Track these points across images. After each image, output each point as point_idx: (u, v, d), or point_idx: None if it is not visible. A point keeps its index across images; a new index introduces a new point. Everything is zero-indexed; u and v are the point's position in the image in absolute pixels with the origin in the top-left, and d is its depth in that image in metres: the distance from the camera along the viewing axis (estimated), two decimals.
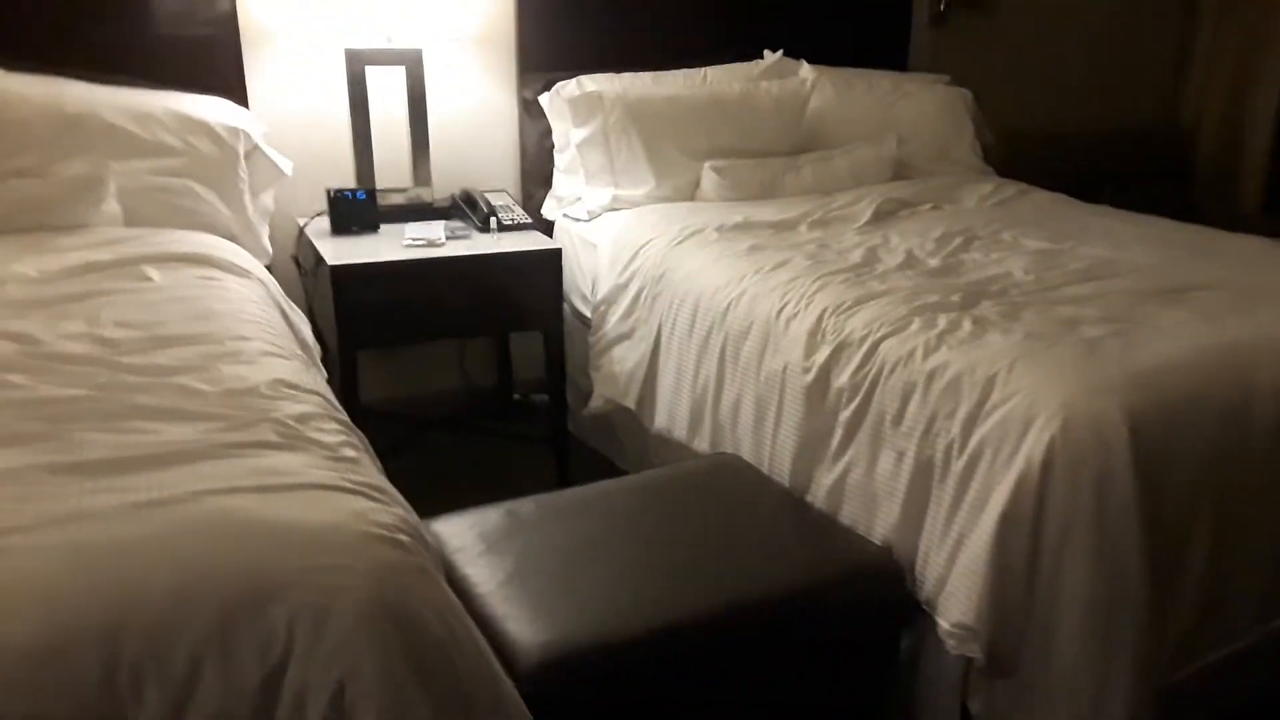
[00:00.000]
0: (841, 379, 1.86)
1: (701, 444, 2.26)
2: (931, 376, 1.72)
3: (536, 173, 2.96)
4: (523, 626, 1.44)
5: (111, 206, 2.10)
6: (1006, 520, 1.54)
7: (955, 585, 1.61)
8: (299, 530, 1.15)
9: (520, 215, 2.67)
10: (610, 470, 2.53)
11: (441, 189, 2.73)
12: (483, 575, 1.56)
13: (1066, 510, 1.52)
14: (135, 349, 1.57)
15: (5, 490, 1.18)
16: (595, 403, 2.62)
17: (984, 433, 1.61)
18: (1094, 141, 3.74)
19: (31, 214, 2.05)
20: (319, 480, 1.27)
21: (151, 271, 1.89)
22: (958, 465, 1.64)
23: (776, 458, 2.01)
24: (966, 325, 1.82)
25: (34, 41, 2.27)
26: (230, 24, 2.47)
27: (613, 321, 2.56)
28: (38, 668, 1.00)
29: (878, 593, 1.68)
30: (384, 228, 2.54)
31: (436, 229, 2.51)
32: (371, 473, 1.39)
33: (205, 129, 2.26)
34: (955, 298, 1.96)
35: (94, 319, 1.67)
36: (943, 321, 1.83)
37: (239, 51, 2.50)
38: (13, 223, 2.03)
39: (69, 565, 1.07)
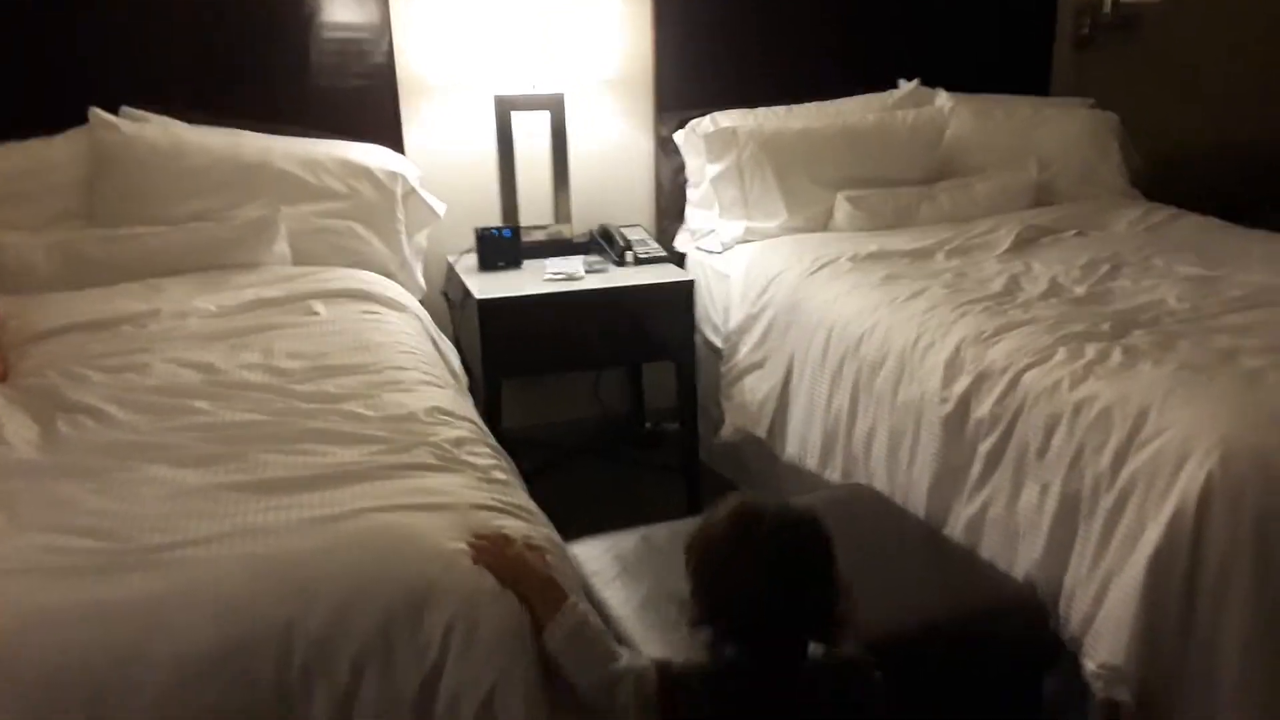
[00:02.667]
0: (982, 410, 1.83)
1: (833, 474, 2.25)
2: (1079, 408, 1.67)
3: (671, 207, 3.02)
4: (659, 651, 1.47)
5: (282, 247, 2.28)
6: (1160, 559, 1.49)
7: (1103, 625, 1.56)
8: (454, 545, 1.23)
9: (655, 248, 2.73)
10: None
11: (580, 225, 2.83)
12: (619, 598, 1.60)
13: (1225, 549, 1.45)
14: (305, 378, 1.71)
15: (193, 506, 1.31)
16: (726, 431, 2.64)
17: (1136, 467, 1.56)
18: (1249, 162, 3.54)
19: (211, 254, 2.24)
20: (473, 500, 1.35)
21: (318, 306, 2.04)
22: (1107, 500, 1.59)
23: (912, 489, 1.98)
24: (1116, 355, 1.76)
25: (212, 95, 2.48)
26: (388, 76, 2.65)
27: (745, 351, 2.58)
28: (217, 668, 1.11)
29: (1021, 630, 1.63)
30: (527, 263, 2.65)
31: (575, 263, 2.60)
32: (520, 495, 1.47)
33: (367, 174, 2.43)
34: (1104, 327, 1.90)
35: (268, 350, 1.82)
36: (1091, 351, 1.78)
37: (396, 101, 2.67)
38: (194, 261, 2.23)
39: (246, 575, 1.18)
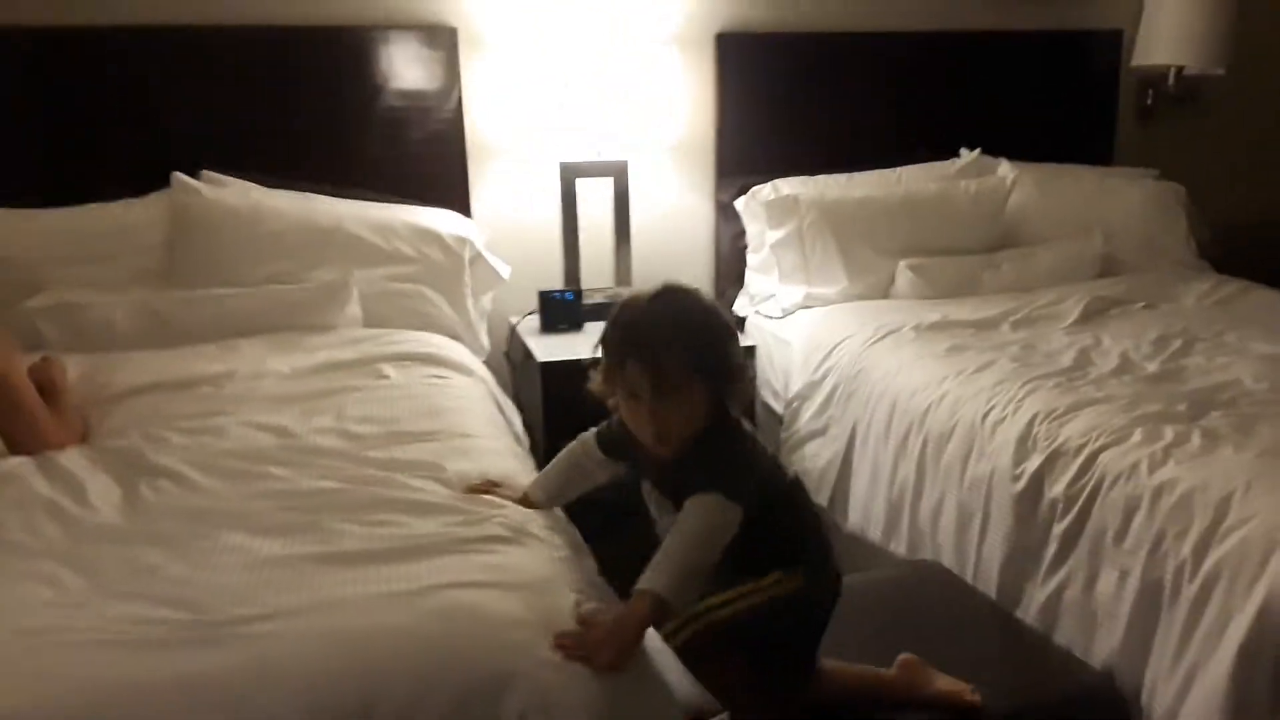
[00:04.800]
0: (1056, 489, 1.80)
1: (898, 547, 2.21)
2: (1159, 492, 1.63)
3: (730, 271, 3.04)
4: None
5: (354, 309, 2.32)
6: (1247, 652, 1.44)
7: (1188, 719, 1.50)
8: (527, 625, 1.22)
9: None
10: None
11: (642, 288, 2.85)
12: (688, 678, 1.57)
13: None
14: (377, 444, 1.72)
15: (273, 577, 1.32)
16: None
17: (1220, 556, 1.51)
18: None
19: (285, 315, 2.29)
20: (543, 576, 1.35)
21: (388, 369, 2.06)
22: (1190, 590, 1.54)
23: (982, 568, 1.95)
24: (1195, 438, 1.72)
25: (286, 159, 2.55)
26: (458, 143, 2.71)
27: (806, 418, 2.57)
28: None
29: None
30: (588, 325, 2.68)
31: None
32: (588, 568, 1.47)
33: (436, 239, 2.48)
34: (1181, 407, 1.86)
35: (340, 414, 1.85)
36: (1169, 433, 1.75)
37: (465, 167, 2.73)
38: (268, 323, 2.27)
39: (326, 652, 1.18)
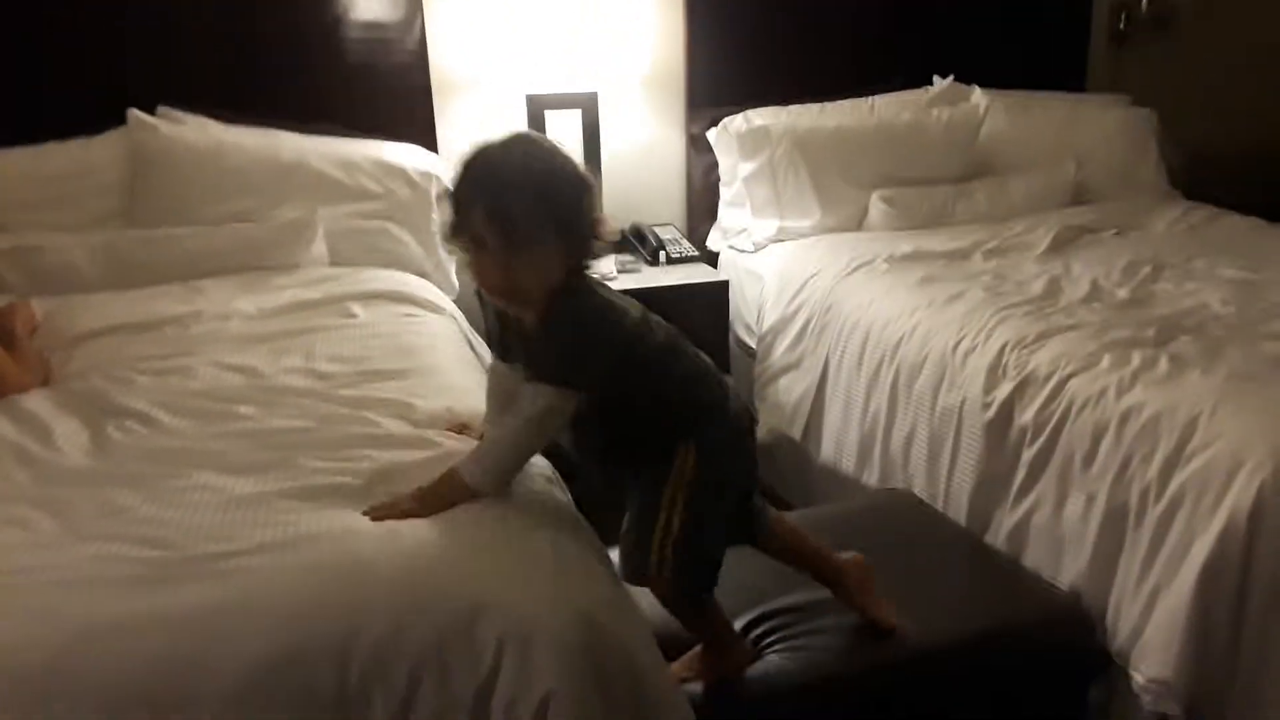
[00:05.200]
0: (1025, 416, 1.82)
1: (870, 477, 2.24)
2: (1126, 417, 1.66)
3: (702, 206, 3.01)
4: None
5: (320, 248, 2.28)
6: (1209, 572, 1.47)
7: (1151, 638, 1.55)
8: (506, 558, 1.23)
9: (687, 248, 2.73)
10: (774, 500, 2.53)
11: (612, 224, 2.82)
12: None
13: (1277, 563, 1.43)
14: (348, 382, 1.71)
15: (246, 514, 1.31)
16: (760, 432, 2.62)
17: (1185, 478, 1.54)
18: None
19: (249, 255, 2.25)
20: (522, 510, 1.35)
21: (356, 308, 2.04)
22: (1155, 511, 1.58)
23: (953, 495, 1.98)
24: (1163, 363, 1.74)
25: (246, 95, 2.48)
26: (421, 74, 2.65)
27: (779, 352, 2.58)
28: (277, 678, 1.11)
29: (1066, 642, 1.63)
30: None
31: (608, 263, 2.60)
32: (565, 504, 1.47)
33: (402, 174, 2.43)
34: (1149, 333, 1.88)
35: (309, 354, 1.83)
36: (1136, 359, 1.77)
37: (429, 100, 2.67)
38: (232, 263, 2.23)
39: (303, 585, 1.18)
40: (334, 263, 2.30)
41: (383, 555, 1.21)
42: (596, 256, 1.32)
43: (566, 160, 1.29)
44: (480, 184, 1.25)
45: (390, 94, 2.63)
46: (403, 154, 2.49)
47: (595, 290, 1.33)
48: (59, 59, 2.39)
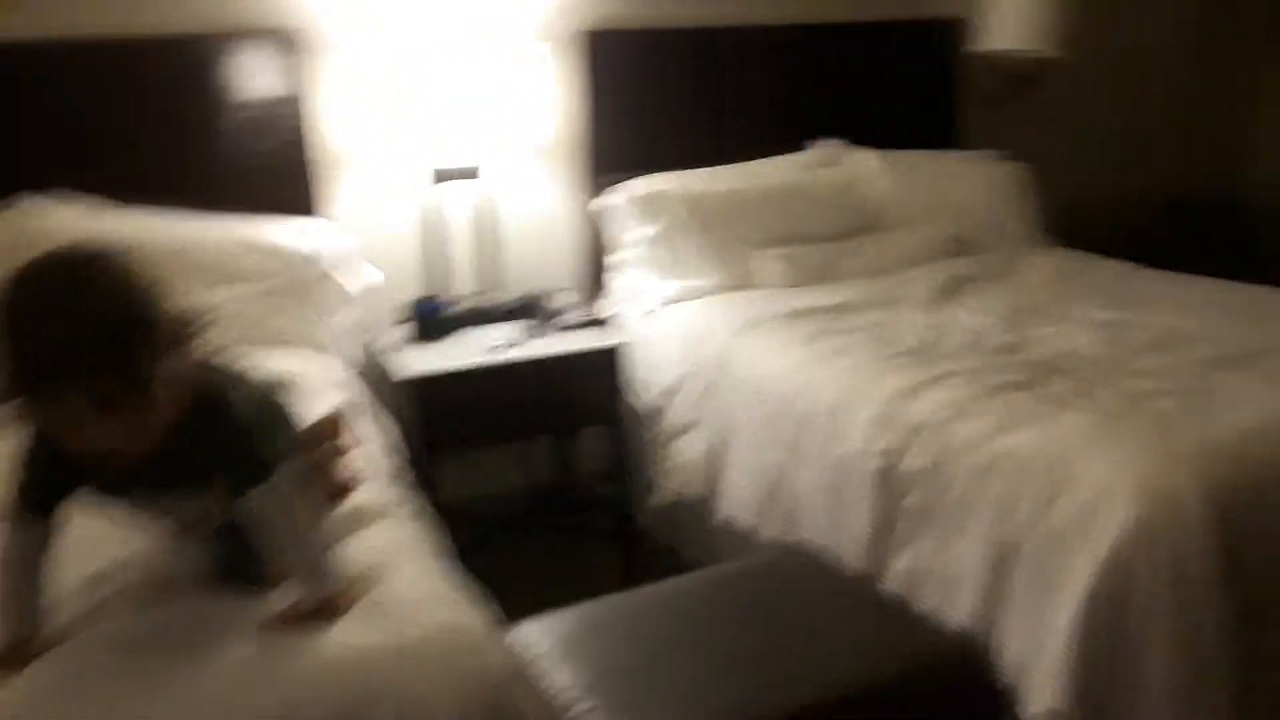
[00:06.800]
0: (911, 464, 1.87)
1: (770, 531, 2.25)
2: (1004, 459, 1.71)
3: (600, 271, 3.05)
4: None
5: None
6: (1088, 605, 1.52)
7: (1040, 670, 1.58)
8: (393, 645, 1.21)
9: (584, 314, 2.75)
10: (677, 560, 2.54)
11: (510, 292, 2.83)
12: (567, 679, 1.57)
13: (1148, 592, 1.49)
14: None
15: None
16: (661, 494, 2.64)
17: (1061, 515, 1.60)
18: (1156, 209, 3.71)
19: None
20: (413, 596, 1.33)
21: None
22: (1035, 548, 1.62)
23: (847, 545, 2.00)
24: (1037, 405, 1.81)
25: (120, 178, 2.41)
26: (308, 151, 2.63)
27: (676, 413, 2.59)
28: None
29: (960, 680, 1.65)
30: (457, 333, 2.64)
31: (506, 332, 2.61)
32: (458, 582, 1.45)
33: (290, 252, 2.39)
34: (1023, 376, 1.95)
35: None
36: (1013, 402, 1.83)
37: (317, 176, 2.66)
38: None
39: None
40: (223, 346, 2.24)
41: (255, 670, 1.18)
42: (200, 347, 1.20)
43: (114, 283, 1.09)
44: (49, 368, 1.05)
45: (276, 171, 2.60)
46: (290, 232, 2.46)
47: (213, 377, 1.26)
48: None
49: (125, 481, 1.22)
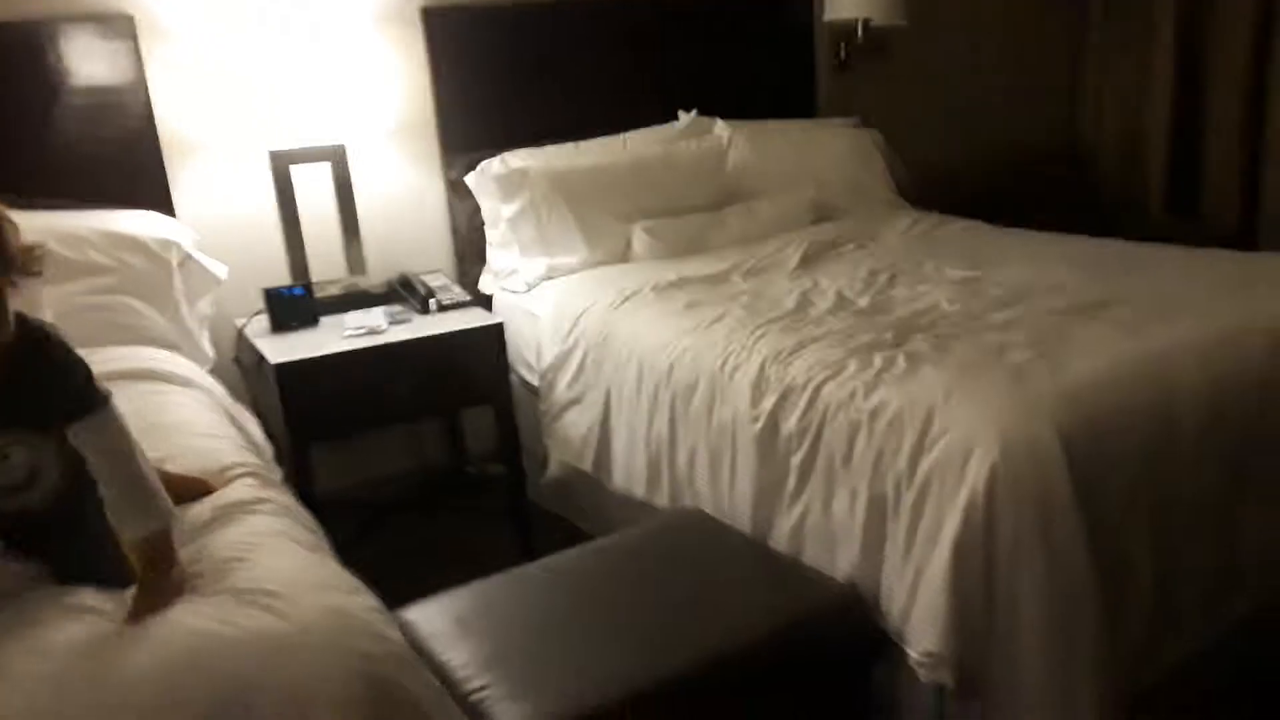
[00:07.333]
0: (789, 425, 1.92)
1: (661, 499, 2.29)
2: (874, 415, 1.78)
3: (470, 250, 3.00)
4: (507, 706, 1.45)
5: None
6: (959, 548, 1.60)
7: (919, 615, 1.66)
8: (275, 631, 1.17)
9: (459, 294, 2.70)
10: (573, 533, 2.55)
11: (378, 276, 2.76)
12: (461, 658, 1.56)
13: (1014, 532, 1.58)
14: None
15: None
16: (552, 469, 2.65)
17: (929, 466, 1.67)
18: (1002, 167, 3.91)
19: None
20: (287, 584, 1.28)
21: None
22: (908, 499, 1.70)
23: (736, 507, 2.05)
24: (901, 362, 1.89)
25: None
26: (150, 137, 2.49)
27: (561, 388, 2.60)
28: None
29: (846, 630, 1.72)
30: (324, 320, 2.56)
31: (377, 316, 2.54)
32: (335, 568, 1.41)
33: (135, 244, 2.26)
34: (888, 335, 2.03)
35: None
36: (878, 360, 1.90)
37: (161, 163, 2.52)
38: None
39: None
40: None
41: (130, 662, 1.12)
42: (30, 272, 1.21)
43: None
44: None
45: (119, 160, 2.46)
46: (136, 222, 2.33)
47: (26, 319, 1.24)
48: None
49: None
